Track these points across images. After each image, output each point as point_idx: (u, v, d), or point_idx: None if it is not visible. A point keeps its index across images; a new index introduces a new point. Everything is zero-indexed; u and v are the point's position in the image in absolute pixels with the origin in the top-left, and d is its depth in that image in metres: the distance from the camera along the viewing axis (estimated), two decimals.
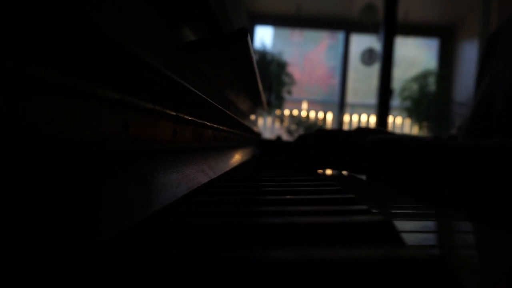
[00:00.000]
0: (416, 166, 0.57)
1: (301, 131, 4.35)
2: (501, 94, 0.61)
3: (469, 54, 3.98)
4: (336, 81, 4.82)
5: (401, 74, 4.41)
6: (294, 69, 4.43)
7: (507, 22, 0.71)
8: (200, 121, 0.42)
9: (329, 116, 4.76)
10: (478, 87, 0.76)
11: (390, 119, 4.23)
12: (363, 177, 0.66)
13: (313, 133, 0.70)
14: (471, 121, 0.70)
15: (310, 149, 0.67)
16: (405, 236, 0.22)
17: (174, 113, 0.32)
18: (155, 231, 0.20)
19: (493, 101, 0.63)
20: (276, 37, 4.92)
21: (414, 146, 0.58)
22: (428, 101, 4.19)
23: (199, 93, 0.35)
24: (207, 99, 0.38)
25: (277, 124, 4.58)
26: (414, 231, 0.27)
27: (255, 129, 1.11)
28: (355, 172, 0.68)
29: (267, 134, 4.26)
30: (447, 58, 4.48)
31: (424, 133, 4.29)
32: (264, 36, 4.94)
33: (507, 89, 0.59)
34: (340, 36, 4.76)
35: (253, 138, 1.03)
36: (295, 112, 4.60)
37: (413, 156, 0.57)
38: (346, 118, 4.68)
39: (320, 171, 0.73)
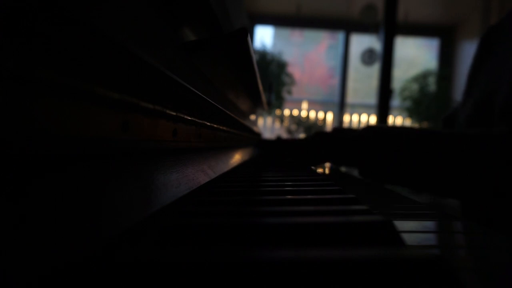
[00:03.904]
0: (412, 157, 0.56)
1: (301, 131, 4.35)
2: (505, 86, 0.59)
3: (469, 54, 3.97)
4: (336, 81, 4.82)
5: (401, 74, 4.41)
6: (294, 69, 4.43)
7: (508, 17, 0.71)
8: (200, 121, 0.42)
9: (329, 116, 4.76)
10: (471, 84, 0.76)
11: (390, 119, 4.23)
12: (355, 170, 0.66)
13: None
14: (469, 120, 0.70)
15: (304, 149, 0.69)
16: (405, 236, 0.22)
17: (174, 113, 0.32)
18: (156, 231, 0.20)
19: (494, 98, 0.62)
20: (276, 37, 4.92)
21: (410, 136, 0.58)
22: (428, 101, 4.19)
23: (199, 93, 0.35)
24: (207, 99, 0.38)
25: (277, 124, 4.58)
26: (414, 231, 0.27)
27: (255, 129, 1.11)
28: (347, 165, 0.69)
29: (267, 134, 4.26)
30: (447, 58, 4.48)
31: None
32: (264, 36, 4.94)
33: None
34: (340, 36, 4.77)
35: (253, 138, 1.03)
36: (295, 112, 4.60)
37: (410, 147, 0.57)
38: (346, 118, 4.68)
39: (320, 170, 0.73)
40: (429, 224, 0.29)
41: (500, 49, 0.68)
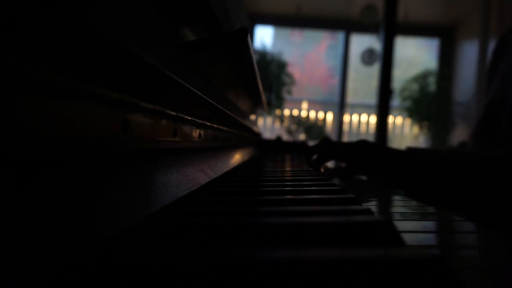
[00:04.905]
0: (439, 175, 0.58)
1: (301, 131, 4.35)
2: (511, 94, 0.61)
3: (469, 54, 3.97)
4: (336, 81, 4.81)
5: (401, 74, 4.40)
6: (294, 69, 4.43)
7: None
8: (200, 121, 0.42)
9: (329, 116, 4.75)
10: (489, 89, 0.77)
11: (390, 119, 4.23)
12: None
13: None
14: (480, 125, 0.71)
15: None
16: (405, 236, 0.22)
17: (174, 113, 0.32)
18: (156, 231, 0.20)
19: (504, 103, 0.64)
20: (276, 37, 4.92)
21: (431, 157, 0.60)
22: (428, 101, 4.19)
23: (199, 93, 0.35)
24: (207, 99, 0.38)
25: (277, 124, 4.58)
26: (414, 231, 0.27)
27: (255, 129, 1.10)
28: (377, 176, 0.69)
29: (267, 134, 4.26)
30: (447, 58, 4.48)
31: (424, 133, 4.29)
32: (264, 36, 4.94)
33: None
34: (340, 36, 4.76)
35: (253, 138, 1.03)
36: (295, 112, 4.60)
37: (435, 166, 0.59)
38: (346, 118, 4.68)
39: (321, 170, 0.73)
40: (429, 224, 0.29)
41: (509, 54, 0.69)
